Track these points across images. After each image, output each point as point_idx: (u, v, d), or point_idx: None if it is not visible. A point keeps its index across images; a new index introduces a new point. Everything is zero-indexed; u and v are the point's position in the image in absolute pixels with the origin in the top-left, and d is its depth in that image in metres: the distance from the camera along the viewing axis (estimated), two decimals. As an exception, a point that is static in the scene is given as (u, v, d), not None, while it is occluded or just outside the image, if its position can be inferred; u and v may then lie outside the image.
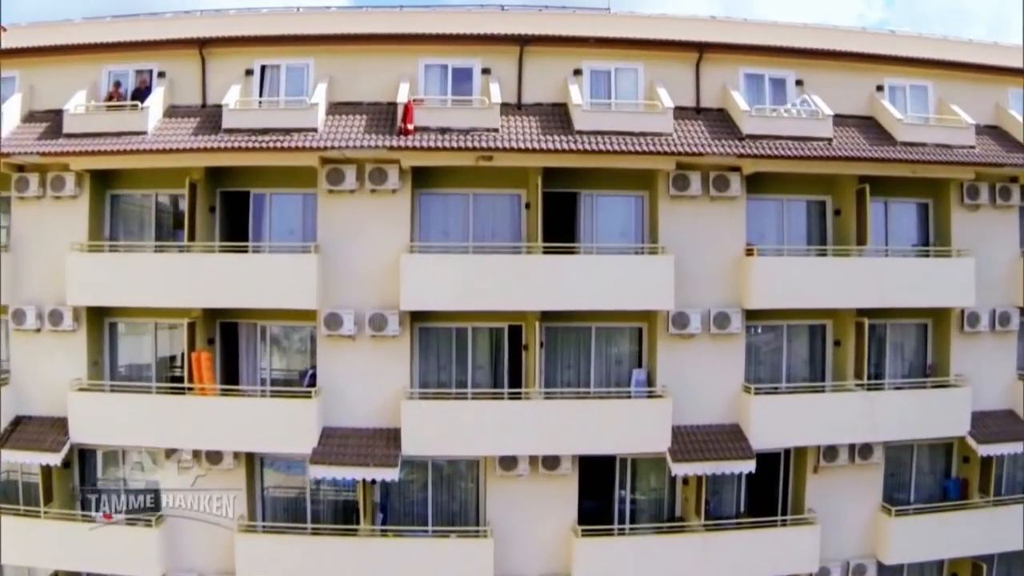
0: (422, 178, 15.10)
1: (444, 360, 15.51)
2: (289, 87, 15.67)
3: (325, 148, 14.22)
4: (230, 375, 15.67)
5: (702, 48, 15.86)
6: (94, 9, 41.48)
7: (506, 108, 15.36)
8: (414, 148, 14.12)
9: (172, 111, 15.76)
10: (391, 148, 14.14)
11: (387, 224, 14.81)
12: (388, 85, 15.30)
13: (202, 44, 15.66)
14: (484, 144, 14.21)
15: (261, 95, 15.76)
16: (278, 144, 14.26)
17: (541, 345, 15.18)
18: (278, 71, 15.73)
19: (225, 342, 15.69)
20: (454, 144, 14.19)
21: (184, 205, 15.15)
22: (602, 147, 14.30)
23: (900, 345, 16.74)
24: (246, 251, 14.91)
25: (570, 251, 14.88)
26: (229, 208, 15.60)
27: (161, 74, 15.90)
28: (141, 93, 15.71)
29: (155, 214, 15.96)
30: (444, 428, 14.60)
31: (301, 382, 15.57)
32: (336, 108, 15.39)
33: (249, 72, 15.70)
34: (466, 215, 15.37)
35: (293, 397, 14.87)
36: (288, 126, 14.72)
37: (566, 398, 15.08)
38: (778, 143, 15.07)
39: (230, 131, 14.78)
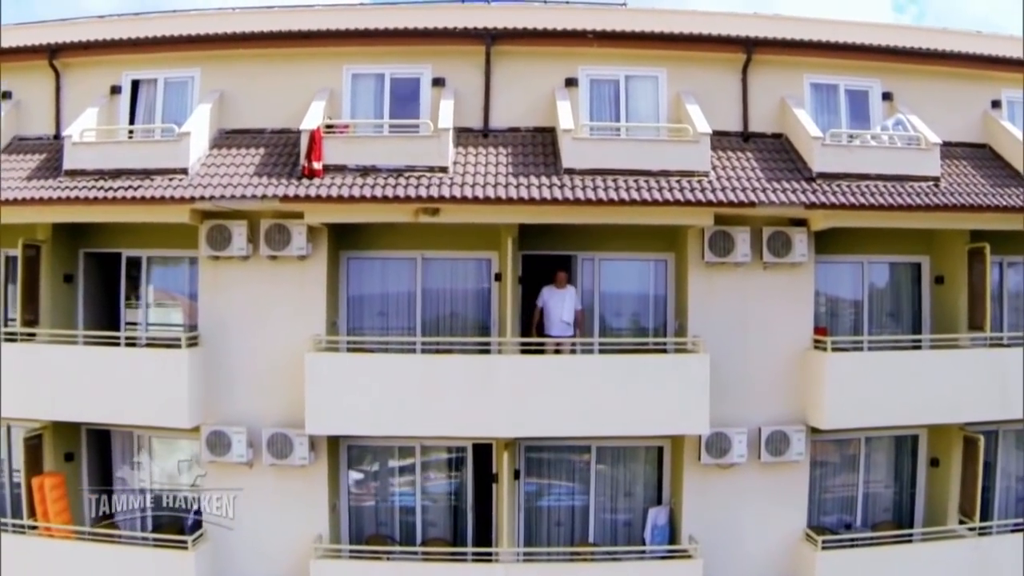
0: (349, 236, 9.36)
1: (381, 495, 9.70)
2: (169, 108, 9.86)
3: (187, 199, 8.46)
4: (105, 503, 10.11)
5: (751, 46, 9.66)
6: None
7: (465, 136, 9.48)
8: (315, 199, 8.31)
9: (18, 145, 10.06)
10: (284, 199, 8.40)
11: (293, 305, 9.04)
12: (302, 104, 9.39)
13: (53, 53, 9.89)
14: (423, 193, 8.33)
15: (133, 120, 10.01)
16: (119, 195, 8.53)
17: (517, 475, 9.48)
18: (154, 87, 9.95)
19: (95, 454, 10.36)
20: (379, 193, 8.33)
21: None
22: (602, 196, 8.32)
23: (1010, 471, 10.37)
24: (96, 342, 9.18)
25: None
26: (98, 276, 9.94)
27: (6, 94, 10.21)
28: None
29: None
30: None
31: (184, 521, 10.24)
32: (227, 139, 9.61)
33: (116, 90, 9.97)
34: (412, 289, 9.57)
35: (168, 547, 9.32)
36: (149, 167, 8.97)
37: (554, 560, 9.12)
38: (864, 186, 8.99)
39: (72, 173, 9.10)
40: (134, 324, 10.11)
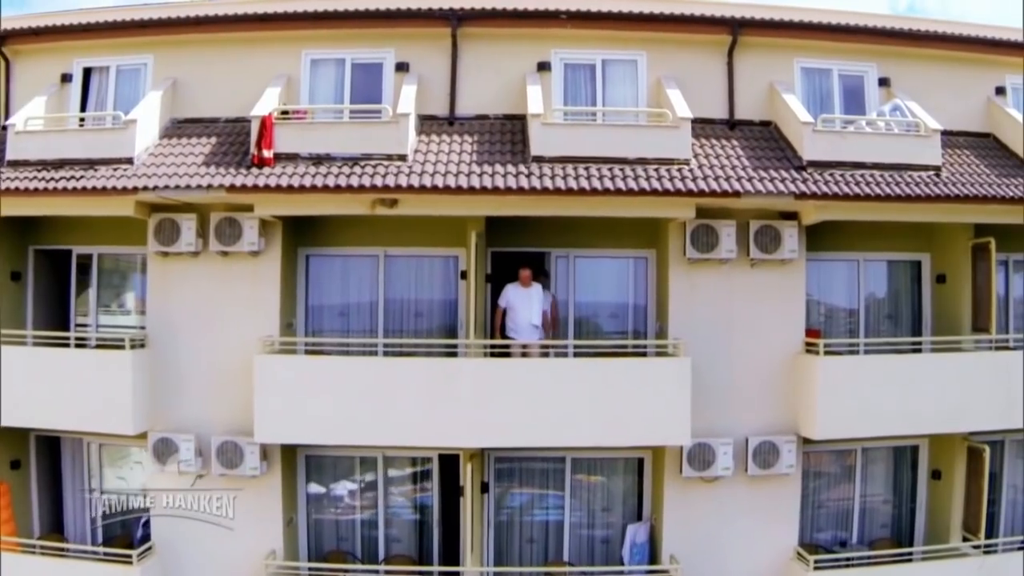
0: (307, 231, 8.42)
1: (342, 508, 8.66)
2: (122, 96, 8.91)
3: (129, 190, 7.55)
4: (54, 512, 9.30)
5: (737, 27, 8.64)
6: None
7: (429, 123, 8.52)
8: (263, 189, 7.37)
9: (-35, 135, 9.51)
10: (230, 189, 7.44)
11: (245, 304, 8.08)
12: (259, 92, 8.41)
13: (1, 40, 8.98)
14: (377, 182, 7.33)
15: (84, 109, 9.10)
16: (57, 186, 7.60)
17: (486, 488, 8.52)
18: (106, 75, 9.02)
19: (46, 461, 9.41)
20: (330, 182, 7.36)
21: None
22: (572, 185, 7.32)
23: (1017, 483, 9.27)
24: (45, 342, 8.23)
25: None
26: (50, 274, 9.01)
27: (-48, 84, 9.58)
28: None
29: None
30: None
31: (133, 533, 9.33)
32: (179, 128, 8.67)
33: (67, 78, 9.07)
34: (374, 289, 8.66)
35: (112, 561, 8.25)
36: (94, 156, 8.07)
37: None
38: (859, 175, 7.97)
39: (15, 164, 8.15)
40: (85, 325, 9.34)
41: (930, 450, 9.02)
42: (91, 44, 9.03)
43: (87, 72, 9.14)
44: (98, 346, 8.89)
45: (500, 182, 7.28)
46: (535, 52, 8.63)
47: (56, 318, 9.22)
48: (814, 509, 8.96)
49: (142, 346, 8.27)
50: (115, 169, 8.02)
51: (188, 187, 7.58)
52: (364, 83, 8.52)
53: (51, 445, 9.34)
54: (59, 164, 8.19)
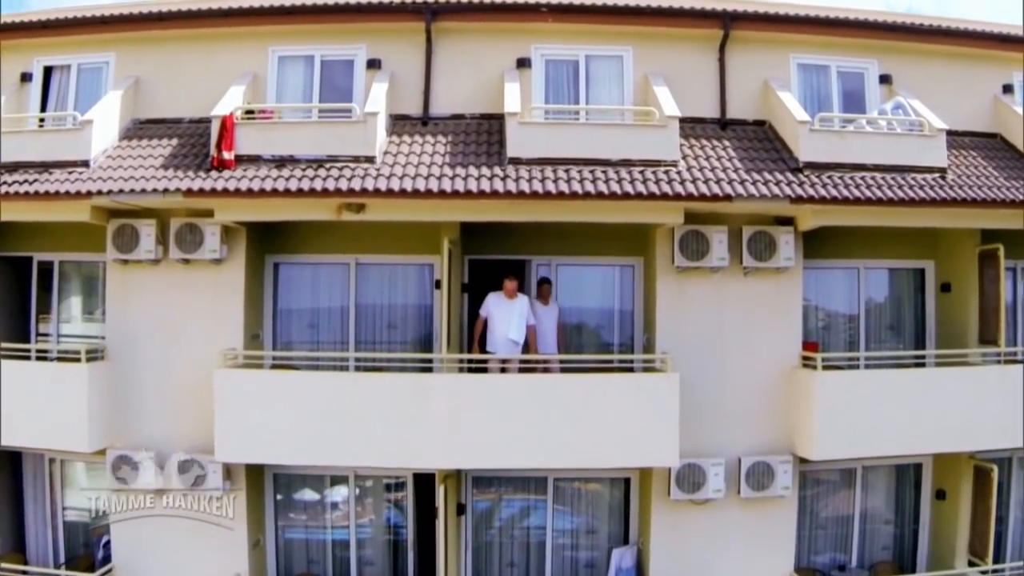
0: (275, 237, 7.77)
1: (312, 529, 7.95)
2: (84, 96, 8.26)
3: (82, 194, 6.87)
4: (16, 531, 8.62)
5: (729, 20, 7.93)
6: None
7: (402, 123, 7.84)
8: (221, 193, 6.70)
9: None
10: (188, 193, 6.77)
11: (208, 314, 7.42)
12: (224, 91, 7.74)
13: (-43, 37, 8.63)
14: (342, 186, 6.65)
15: (45, 109, 8.44)
16: (7, 190, 6.94)
17: (462, 510, 7.80)
18: (67, 74, 8.38)
19: (8, 477, 8.67)
20: (292, 186, 6.68)
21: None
22: (550, 188, 6.65)
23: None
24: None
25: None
26: (12, 282, 8.28)
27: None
28: None
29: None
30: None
31: (95, 555, 8.69)
32: (140, 129, 8.01)
33: (27, 77, 8.40)
34: (344, 298, 7.88)
35: None
36: (48, 159, 7.42)
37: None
38: (860, 177, 7.24)
39: (-34, 167, 7.97)
40: (46, 336, 8.74)
41: (934, 468, 8.29)
42: (52, 42, 8.39)
43: (48, 71, 8.49)
44: (60, 358, 8.33)
45: (473, 185, 6.59)
46: (514, 48, 7.95)
47: (18, 328, 8.68)
48: (811, 530, 8.23)
49: (100, 358, 7.69)
50: (70, 172, 7.38)
51: (143, 191, 6.93)
52: (334, 81, 7.85)
53: (14, 460, 8.80)
54: (14, 167, 7.55)
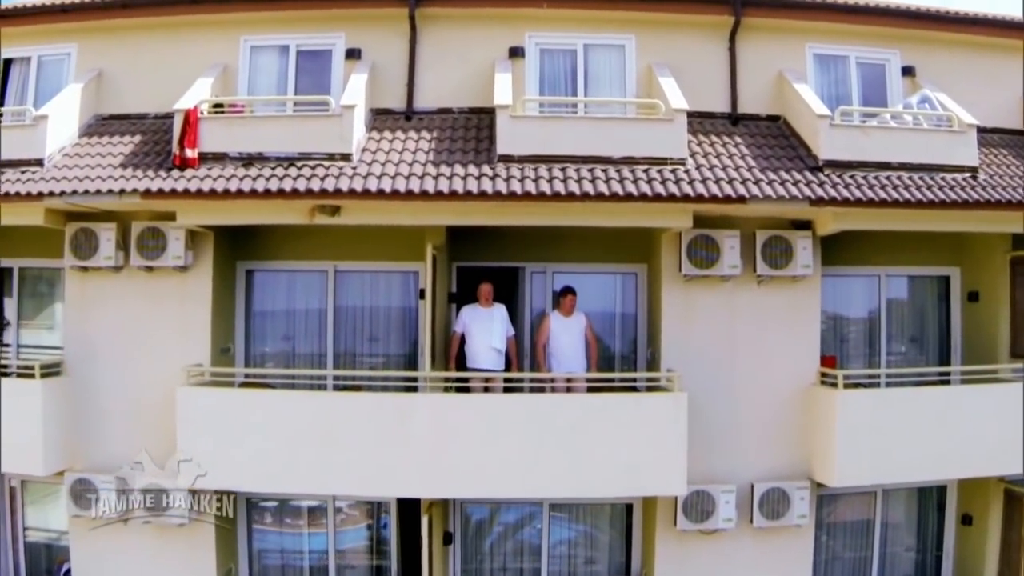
0: (246, 243, 6.98)
1: (289, 557, 7.06)
2: (44, 90, 7.40)
3: (33, 196, 6.08)
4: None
5: (740, 7, 7.06)
6: None
7: (383, 118, 7.04)
8: (181, 195, 5.89)
9: None
10: (145, 194, 5.97)
11: (173, 326, 6.62)
12: (191, 83, 6.94)
13: (-90, 27, 7.89)
14: (314, 186, 5.84)
15: (3, 104, 7.55)
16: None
17: (450, 539, 7.05)
18: (27, 66, 7.57)
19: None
20: (259, 186, 5.87)
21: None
22: (544, 189, 5.85)
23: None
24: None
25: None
26: None
27: None
28: None
29: None
30: None
31: None
32: (102, 125, 7.21)
33: (-13, 70, 7.80)
34: (322, 308, 7.10)
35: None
36: (2, 158, 6.54)
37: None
38: (886, 177, 6.42)
39: (-89, 166, 7.22)
40: (6, 347, 7.97)
41: (959, 491, 7.48)
42: (11, 32, 7.53)
43: (7, 64, 7.72)
44: (20, 374, 7.61)
45: (458, 185, 5.79)
46: (506, 36, 7.11)
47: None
48: (828, 558, 7.44)
49: (57, 373, 6.94)
50: (22, 172, 6.57)
51: (98, 192, 6.14)
52: (311, 73, 7.03)
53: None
54: (-37, 166, 6.95)
